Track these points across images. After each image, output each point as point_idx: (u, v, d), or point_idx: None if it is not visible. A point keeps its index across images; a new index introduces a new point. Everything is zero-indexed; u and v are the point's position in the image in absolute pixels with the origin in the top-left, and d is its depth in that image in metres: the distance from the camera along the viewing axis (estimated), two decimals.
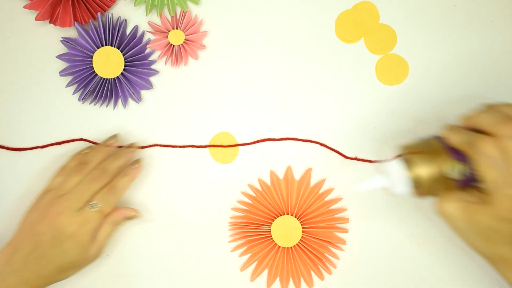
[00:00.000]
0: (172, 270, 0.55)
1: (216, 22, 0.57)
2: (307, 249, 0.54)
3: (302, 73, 0.57)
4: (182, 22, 0.56)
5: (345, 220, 0.55)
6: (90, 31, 0.55)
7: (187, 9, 0.56)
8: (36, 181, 0.56)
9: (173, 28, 0.56)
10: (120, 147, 0.55)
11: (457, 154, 0.41)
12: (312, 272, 0.55)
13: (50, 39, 0.57)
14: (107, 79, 0.55)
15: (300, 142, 0.56)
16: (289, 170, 0.55)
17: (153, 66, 0.57)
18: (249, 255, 0.55)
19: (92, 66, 0.55)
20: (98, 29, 0.55)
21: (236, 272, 0.55)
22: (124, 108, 0.57)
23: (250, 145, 0.56)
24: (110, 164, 0.52)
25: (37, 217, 0.49)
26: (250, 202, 0.55)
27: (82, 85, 0.55)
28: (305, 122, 0.56)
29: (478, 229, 0.40)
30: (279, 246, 0.54)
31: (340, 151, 0.56)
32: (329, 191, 0.55)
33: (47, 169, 0.56)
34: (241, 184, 0.56)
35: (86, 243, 0.49)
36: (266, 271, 0.55)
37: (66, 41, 0.55)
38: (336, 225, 0.55)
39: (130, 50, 0.55)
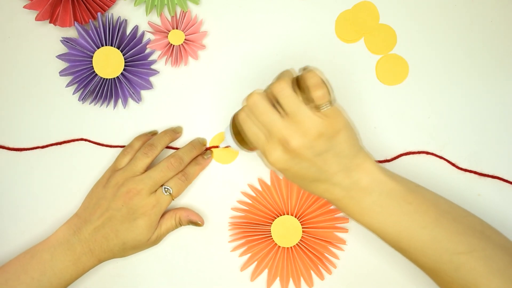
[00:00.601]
0: (172, 270, 0.55)
1: (216, 22, 0.57)
2: (307, 249, 0.54)
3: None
4: (182, 22, 0.56)
5: (345, 220, 0.55)
6: (90, 31, 0.55)
7: (187, 9, 0.56)
8: (36, 181, 0.56)
9: (173, 28, 0.56)
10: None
11: None
12: (312, 272, 0.55)
13: (50, 39, 0.57)
14: (107, 79, 0.55)
15: None
16: None
17: (153, 66, 0.57)
18: (249, 255, 0.55)
19: (92, 66, 0.55)
20: (98, 29, 0.55)
21: (236, 272, 0.55)
22: (124, 108, 0.57)
23: None
24: (186, 154, 0.54)
25: (110, 193, 0.51)
26: (250, 202, 0.55)
27: (82, 85, 0.55)
28: None
29: (311, 159, 0.43)
30: (279, 246, 0.54)
31: None
32: None
33: (48, 169, 0.56)
34: (241, 184, 0.56)
35: (154, 224, 0.52)
36: (266, 271, 0.55)
37: (66, 41, 0.55)
38: (336, 225, 0.55)
39: (130, 50, 0.55)
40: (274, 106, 0.43)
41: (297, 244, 0.54)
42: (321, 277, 0.55)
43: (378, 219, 0.45)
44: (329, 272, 0.55)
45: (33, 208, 0.56)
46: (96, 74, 0.55)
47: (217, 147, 0.56)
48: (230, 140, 0.50)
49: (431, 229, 0.44)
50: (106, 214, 0.51)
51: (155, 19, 0.57)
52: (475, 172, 0.55)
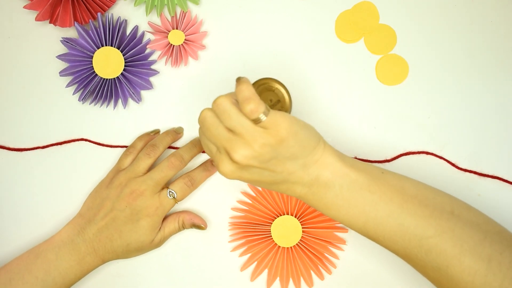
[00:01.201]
0: (172, 270, 0.55)
1: (216, 22, 0.57)
2: (307, 249, 0.54)
3: (302, 73, 0.57)
4: (182, 22, 0.56)
5: None
6: (90, 31, 0.55)
7: (187, 9, 0.56)
8: (37, 182, 0.56)
9: (173, 28, 0.56)
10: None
11: None
12: (312, 272, 0.55)
13: (50, 39, 0.57)
14: (107, 79, 0.55)
15: None
16: None
17: (153, 66, 0.57)
18: (249, 255, 0.55)
19: (92, 66, 0.55)
20: (98, 29, 0.55)
21: (236, 272, 0.55)
22: (124, 108, 0.57)
23: None
24: (187, 152, 0.54)
25: (114, 194, 0.52)
26: (250, 202, 0.55)
27: (82, 85, 0.55)
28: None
29: (259, 166, 0.43)
30: (279, 246, 0.54)
31: (340, 151, 0.56)
32: None
33: (48, 169, 0.56)
34: (241, 184, 0.56)
35: (157, 225, 0.52)
36: (266, 271, 0.55)
37: (66, 41, 0.55)
38: (336, 225, 0.55)
39: (130, 50, 0.55)
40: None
41: (297, 244, 0.54)
42: (321, 277, 0.55)
43: (343, 212, 0.45)
44: (329, 272, 0.55)
45: (34, 208, 0.56)
46: (96, 74, 0.55)
47: None
48: None
49: (396, 216, 0.44)
50: (110, 215, 0.51)
51: (155, 19, 0.57)
52: (475, 172, 0.55)
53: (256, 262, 0.55)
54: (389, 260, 0.55)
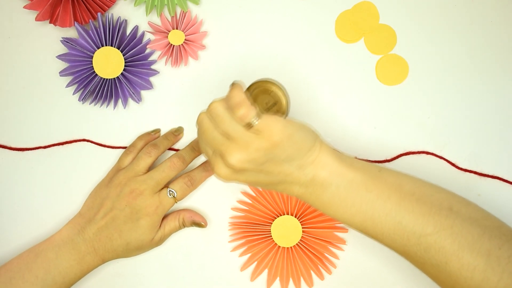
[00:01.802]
0: (172, 270, 0.55)
1: (216, 22, 0.57)
2: (307, 249, 0.54)
3: (302, 73, 0.57)
4: (182, 22, 0.56)
5: None
6: (90, 31, 0.55)
7: (187, 9, 0.56)
8: (37, 182, 0.56)
9: (173, 28, 0.56)
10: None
11: None
12: (312, 272, 0.55)
13: (50, 39, 0.57)
14: (107, 79, 0.55)
15: None
16: None
17: (153, 66, 0.57)
18: (249, 255, 0.55)
19: (92, 66, 0.55)
20: (98, 29, 0.55)
21: (236, 272, 0.55)
22: (124, 108, 0.57)
23: None
24: (188, 154, 0.54)
25: (114, 193, 0.52)
26: (250, 202, 0.55)
27: (82, 85, 0.55)
28: (305, 122, 0.56)
29: (254, 169, 0.44)
30: (279, 246, 0.54)
31: (340, 151, 0.56)
32: None
33: (49, 169, 0.56)
34: (241, 184, 0.56)
35: (157, 224, 0.52)
36: (266, 271, 0.55)
37: (66, 41, 0.55)
38: (336, 225, 0.55)
39: (130, 50, 0.55)
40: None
41: (297, 244, 0.54)
42: (321, 277, 0.55)
43: (341, 211, 0.45)
44: (329, 272, 0.55)
45: (34, 208, 0.56)
46: (96, 74, 0.55)
47: None
48: None
49: (394, 214, 0.44)
50: (110, 214, 0.51)
51: (155, 19, 0.57)
52: (475, 172, 0.55)
53: (256, 262, 0.55)
54: (389, 260, 0.55)
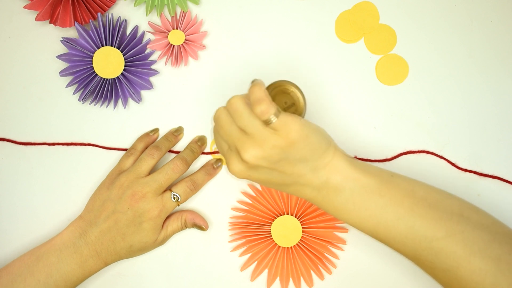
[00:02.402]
0: (172, 270, 0.55)
1: (216, 22, 0.57)
2: (307, 249, 0.54)
3: (302, 73, 0.57)
4: (182, 22, 0.56)
5: None
6: (90, 31, 0.55)
7: (187, 9, 0.56)
8: (38, 182, 0.56)
9: (173, 28, 0.56)
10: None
11: None
12: (312, 272, 0.55)
13: (50, 39, 0.57)
14: (107, 79, 0.55)
15: None
16: None
17: (153, 66, 0.57)
18: (249, 255, 0.55)
19: (92, 66, 0.55)
20: (98, 29, 0.55)
21: (236, 272, 0.55)
22: (124, 108, 0.57)
23: None
24: (189, 155, 0.54)
25: (115, 195, 0.51)
26: (250, 202, 0.55)
27: (82, 85, 0.55)
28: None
29: (268, 166, 0.44)
30: (279, 246, 0.54)
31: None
32: None
33: (49, 169, 0.56)
34: (241, 184, 0.56)
35: (159, 226, 0.52)
36: (266, 271, 0.55)
37: (66, 41, 0.55)
38: (336, 224, 0.55)
39: (130, 50, 0.55)
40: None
41: (297, 244, 0.54)
42: (321, 277, 0.55)
43: (353, 215, 0.45)
44: (329, 272, 0.55)
45: (34, 208, 0.56)
46: (96, 74, 0.55)
47: (219, 152, 0.56)
48: None
49: (407, 219, 0.44)
50: (112, 217, 0.51)
51: (155, 19, 0.57)
52: (475, 172, 0.55)
53: (256, 262, 0.55)
54: (389, 260, 0.55)
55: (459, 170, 0.55)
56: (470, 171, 0.55)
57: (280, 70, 0.57)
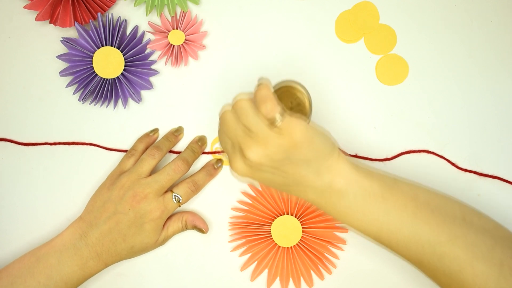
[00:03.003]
0: (173, 270, 0.55)
1: (216, 22, 0.57)
2: (307, 249, 0.54)
3: (302, 73, 0.57)
4: (182, 22, 0.56)
5: None
6: (90, 31, 0.55)
7: (187, 9, 0.56)
8: (39, 181, 0.56)
9: (173, 28, 0.56)
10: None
11: None
12: (312, 272, 0.55)
13: (50, 39, 0.57)
14: (107, 79, 0.55)
15: None
16: None
17: (153, 66, 0.57)
18: (249, 255, 0.55)
19: (92, 66, 0.55)
20: (98, 29, 0.55)
21: (236, 272, 0.55)
22: (124, 108, 0.57)
23: None
24: (190, 156, 0.54)
25: (116, 196, 0.51)
26: (250, 202, 0.55)
27: (82, 85, 0.55)
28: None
29: (271, 166, 0.44)
30: (279, 246, 0.54)
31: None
32: None
33: (50, 169, 0.56)
34: (241, 184, 0.56)
35: (160, 227, 0.52)
36: (266, 271, 0.55)
37: (66, 41, 0.55)
38: (336, 224, 0.55)
39: (130, 50, 0.55)
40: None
41: (297, 244, 0.54)
42: (321, 277, 0.55)
43: (356, 219, 0.45)
44: (329, 272, 0.55)
45: (34, 208, 0.56)
46: (96, 74, 0.55)
47: (219, 152, 0.56)
48: None
49: (410, 224, 0.44)
50: (113, 218, 0.50)
51: (155, 19, 0.57)
52: (475, 172, 0.55)
53: (256, 262, 0.55)
54: (389, 260, 0.55)
55: (459, 170, 0.55)
56: (470, 171, 0.55)
57: (280, 70, 0.57)
